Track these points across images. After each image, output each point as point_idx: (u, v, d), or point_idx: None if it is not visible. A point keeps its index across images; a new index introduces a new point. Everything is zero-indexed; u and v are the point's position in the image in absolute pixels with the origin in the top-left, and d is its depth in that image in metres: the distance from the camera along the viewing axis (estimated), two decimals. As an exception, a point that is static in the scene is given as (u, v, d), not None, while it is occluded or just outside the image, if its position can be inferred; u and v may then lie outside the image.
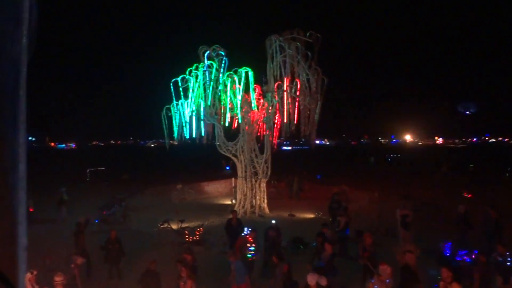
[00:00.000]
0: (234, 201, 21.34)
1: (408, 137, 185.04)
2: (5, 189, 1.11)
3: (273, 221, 12.63)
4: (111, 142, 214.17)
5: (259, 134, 19.71)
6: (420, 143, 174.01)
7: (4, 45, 1.09)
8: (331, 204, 16.79)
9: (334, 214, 15.46)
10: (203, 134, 19.92)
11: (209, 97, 19.01)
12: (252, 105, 18.85)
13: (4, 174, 1.10)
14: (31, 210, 17.53)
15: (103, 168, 35.79)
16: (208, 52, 19.07)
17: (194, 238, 14.27)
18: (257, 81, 19.12)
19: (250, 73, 18.81)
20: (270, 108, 18.93)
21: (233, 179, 24.00)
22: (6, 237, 1.11)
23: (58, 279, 7.58)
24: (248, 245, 10.52)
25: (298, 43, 18.00)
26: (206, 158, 34.86)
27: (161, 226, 15.59)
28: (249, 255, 10.38)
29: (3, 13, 1.08)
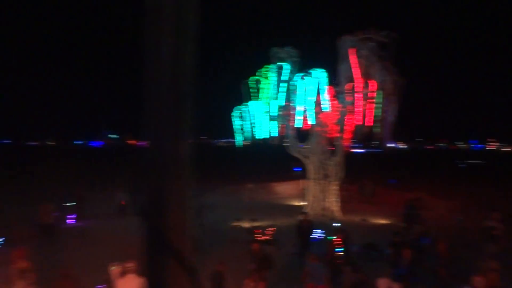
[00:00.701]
0: (304, 203, 21.29)
1: (492, 142, 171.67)
2: (181, 182, 1.26)
3: (337, 224, 12.45)
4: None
5: (330, 136, 19.48)
6: (504, 148, 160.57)
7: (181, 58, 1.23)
8: (407, 211, 16.11)
9: (410, 221, 14.83)
10: (274, 135, 20.12)
11: (281, 98, 19.17)
12: (324, 106, 18.68)
13: (183, 169, 1.25)
14: (123, 203, 18.94)
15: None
16: (280, 53, 19.24)
17: (266, 237, 14.46)
18: (330, 82, 18.94)
19: (323, 74, 18.67)
20: (343, 109, 18.63)
21: (302, 180, 23.95)
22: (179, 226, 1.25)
23: (130, 265, 8.10)
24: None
25: (373, 43, 17.53)
26: (276, 158, 35.14)
27: (233, 224, 15.99)
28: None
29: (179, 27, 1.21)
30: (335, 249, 10.42)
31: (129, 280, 7.73)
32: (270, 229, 14.84)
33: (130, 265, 7.96)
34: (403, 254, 9.21)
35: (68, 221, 17.34)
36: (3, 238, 12.63)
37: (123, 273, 7.76)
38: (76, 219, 17.70)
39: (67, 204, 17.96)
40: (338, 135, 19.04)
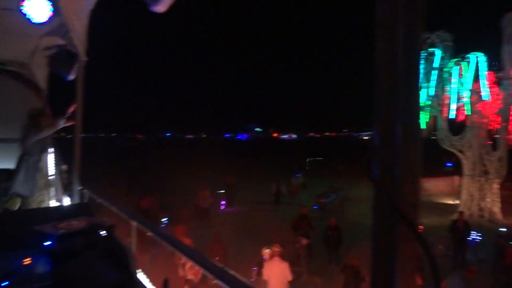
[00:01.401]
0: (457, 201, 19.40)
1: None
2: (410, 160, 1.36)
3: (503, 229, 10.99)
4: (326, 134, 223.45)
5: (491, 127, 17.30)
6: None
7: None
8: None
9: None
10: (422, 127, 18.75)
11: (431, 87, 17.74)
12: (484, 94, 16.67)
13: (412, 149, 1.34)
14: (278, 192, 20.36)
15: (321, 159, 37.85)
16: (430, 38, 17.77)
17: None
18: (490, 67, 16.84)
19: (481, 58, 16.67)
20: (506, 98, 16.35)
21: (456, 177, 21.80)
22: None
23: (277, 249, 8.54)
24: None
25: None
26: (425, 152, 32.65)
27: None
28: None
29: None
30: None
31: (275, 263, 8.21)
32: (418, 227, 13.95)
33: (277, 249, 8.44)
34: None
35: (221, 207, 19.04)
36: (167, 218, 14.47)
37: (271, 257, 8.28)
38: (226, 205, 19.33)
39: (220, 191, 19.75)
40: (499, 126, 16.80)
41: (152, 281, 2.30)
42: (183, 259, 9.32)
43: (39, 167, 5.16)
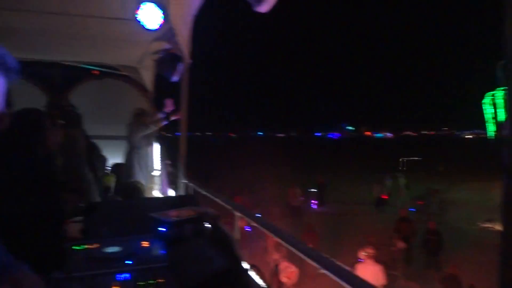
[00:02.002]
0: None
1: None
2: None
3: None
4: (423, 132, 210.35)
5: None
6: None
7: None
8: None
9: None
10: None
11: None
12: None
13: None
14: (382, 197, 19.57)
15: (417, 159, 35.72)
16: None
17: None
18: None
19: None
20: None
21: None
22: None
23: (370, 251, 8.28)
24: None
25: None
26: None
27: (483, 225, 14.27)
28: None
29: None
30: None
31: (368, 265, 7.99)
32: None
33: (370, 251, 8.21)
34: None
35: (312, 206, 18.98)
36: (260, 215, 14.81)
37: (365, 259, 8.08)
38: (318, 204, 19.20)
39: (310, 190, 19.69)
40: None
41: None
42: (277, 256, 9.48)
43: (145, 159, 5.67)
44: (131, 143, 5.83)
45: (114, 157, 6.10)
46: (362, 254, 8.14)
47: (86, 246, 1.99)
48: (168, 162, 6.28)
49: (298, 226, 14.29)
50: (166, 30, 3.83)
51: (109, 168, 5.87)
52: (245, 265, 1.92)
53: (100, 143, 5.15)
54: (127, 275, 1.59)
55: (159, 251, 1.87)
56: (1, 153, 2.58)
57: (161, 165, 6.28)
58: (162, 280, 1.54)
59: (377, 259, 8.28)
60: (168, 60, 4.61)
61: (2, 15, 3.53)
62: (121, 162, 5.81)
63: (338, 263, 1.47)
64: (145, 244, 2.04)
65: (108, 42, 4.51)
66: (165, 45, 4.32)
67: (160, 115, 5.51)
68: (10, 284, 1.12)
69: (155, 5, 3.16)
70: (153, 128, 5.77)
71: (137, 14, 3.16)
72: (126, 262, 1.75)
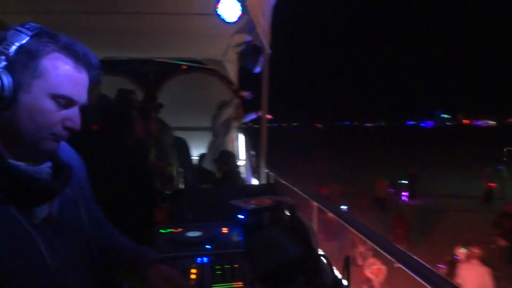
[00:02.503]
0: None
1: None
2: None
3: None
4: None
5: None
6: None
7: None
8: None
9: None
10: None
11: None
12: None
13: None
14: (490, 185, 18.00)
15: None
16: None
17: None
18: None
19: None
20: None
21: None
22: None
23: (476, 251, 7.62)
24: None
25: None
26: None
27: None
28: None
29: None
30: None
31: (473, 266, 7.35)
32: None
33: (476, 251, 7.54)
34: None
35: (402, 198, 18.10)
36: (347, 206, 14.53)
37: (468, 258, 7.46)
38: (409, 196, 18.24)
39: (401, 181, 18.78)
40: None
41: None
42: (362, 249, 9.24)
43: (223, 148, 5.89)
44: (214, 134, 6.08)
45: (200, 148, 6.40)
46: (462, 252, 7.54)
47: (171, 230, 2.12)
48: (253, 152, 6.43)
49: (385, 219, 13.76)
50: (246, 22, 3.90)
51: (196, 157, 6.19)
52: (322, 255, 1.89)
53: (187, 134, 5.44)
54: (206, 259, 1.67)
55: (237, 237, 1.93)
56: (96, 144, 2.85)
57: (245, 155, 6.45)
58: (237, 266, 1.58)
59: (483, 260, 7.61)
60: (250, 52, 4.69)
61: (103, 18, 3.87)
62: (205, 152, 6.09)
63: (426, 265, 1.38)
64: (224, 230, 2.12)
65: (192, 38, 4.72)
66: (246, 37, 4.40)
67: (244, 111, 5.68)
68: (158, 273, 1.21)
69: (234, -2, 3.26)
70: (236, 120, 5.97)
71: (217, 8, 3.26)
72: (206, 246, 1.83)
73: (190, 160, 5.69)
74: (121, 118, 2.92)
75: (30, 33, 0.95)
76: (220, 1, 3.23)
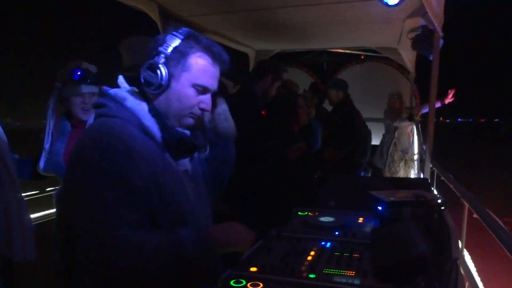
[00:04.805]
0: None
1: None
2: None
3: None
4: None
5: None
6: None
7: None
8: None
9: None
10: None
11: None
12: None
13: None
14: None
15: None
16: None
17: None
18: None
19: None
20: None
21: None
22: None
23: None
24: None
25: None
26: None
27: None
28: None
29: None
30: None
31: None
32: None
33: None
34: None
35: None
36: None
37: None
38: None
39: None
40: None
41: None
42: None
43: (394, 144, 5.63)
44: (386, 127, 5.87)
45: (374, 140, 6.26)
46: None
47: (307, 213, 2.21)
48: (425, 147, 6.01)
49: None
50: (418, 6, 3.63)
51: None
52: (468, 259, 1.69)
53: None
54: (329, 243, 1.69)
55: (369, 228, 1.88)
56: (263, 127, 3.13)
57: (418, 149, 6.07)
58: (356, 255, 1.56)
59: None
60: (424, 37, 4.33)
61: (278, 13, 4.07)
62: (375, 144, 5.93)
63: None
64: (360, 219, 2.10)
65: (362, 25, 4.58)
66: (419, 22, 4.06)
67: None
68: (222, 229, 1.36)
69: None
70: (413, 111, 5.68)
71: (383, -8, 3.12)
72: (335, 233, 1.85)
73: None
74: (287, 105, 3.17)
75: (182, 37, 1.29)
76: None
